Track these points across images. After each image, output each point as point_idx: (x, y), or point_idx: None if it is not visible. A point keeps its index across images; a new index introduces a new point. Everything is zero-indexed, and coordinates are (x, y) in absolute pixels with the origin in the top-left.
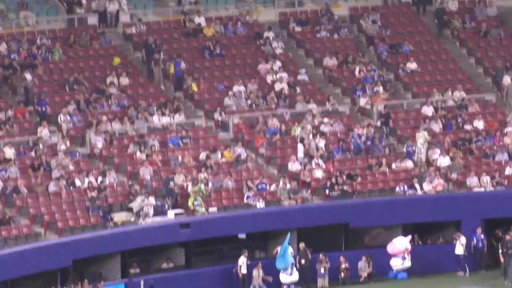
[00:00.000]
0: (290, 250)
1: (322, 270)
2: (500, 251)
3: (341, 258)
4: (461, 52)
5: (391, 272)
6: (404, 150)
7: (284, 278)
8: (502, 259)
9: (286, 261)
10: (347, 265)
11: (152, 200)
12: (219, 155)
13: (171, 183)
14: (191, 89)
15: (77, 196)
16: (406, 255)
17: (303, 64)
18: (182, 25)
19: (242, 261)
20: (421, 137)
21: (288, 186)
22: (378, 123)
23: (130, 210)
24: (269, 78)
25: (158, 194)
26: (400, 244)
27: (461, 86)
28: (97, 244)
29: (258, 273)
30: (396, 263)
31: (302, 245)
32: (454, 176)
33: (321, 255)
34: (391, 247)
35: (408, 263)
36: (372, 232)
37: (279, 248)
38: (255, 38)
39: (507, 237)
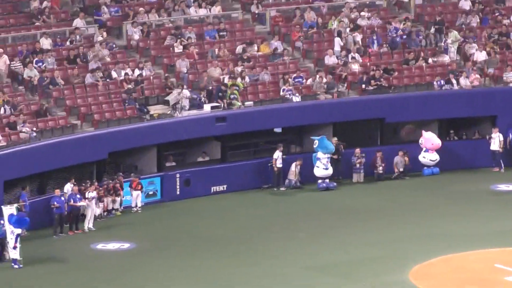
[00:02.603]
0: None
1: (358, 165)
2: None
3: (377, 153)
4: None
5: (426, 169)
6: (442, 44)
7: (319, 171)
8: None
9: (328, 146)
10: (382, 159)
11: (187, 93)
12: (256, 48)
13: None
14: None
15: (114, 88)
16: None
17: None
18: None
19: (278, 155)
20: (452, 36)
21: (325, 80)
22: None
23: (166, 102)
24: None
25: (194, 87)
26: (432, 137)
27: None
28: (133, 136)
29: (296, 168)
30: (427, 156)
31: (334, 139)
32: (490, 71)
33: (357, 150)
34: (423, 140)
35: (436, 156)
36: (407, 127)
37: (316, 141)
38: None
39: None
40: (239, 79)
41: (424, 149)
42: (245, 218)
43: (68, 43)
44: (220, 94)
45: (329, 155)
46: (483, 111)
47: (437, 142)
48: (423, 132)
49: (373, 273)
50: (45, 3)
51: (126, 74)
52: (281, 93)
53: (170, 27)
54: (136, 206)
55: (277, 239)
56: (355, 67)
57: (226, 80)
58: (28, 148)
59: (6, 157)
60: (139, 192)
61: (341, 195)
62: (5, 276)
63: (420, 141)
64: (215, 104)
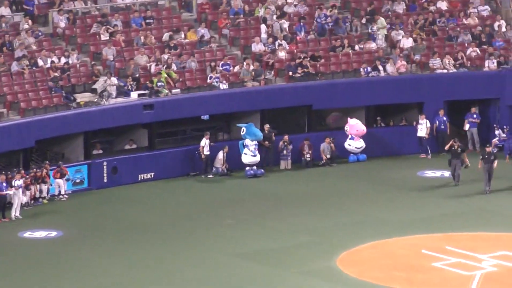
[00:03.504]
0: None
1: (285, 152)
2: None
3: (304, 141)
4: None
5: (351, 156)
6: (367, 31)
7: (247, 158)
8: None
9: (256, 133)
10: (309, 147)
11: (114, 80)
12: (183, 36)
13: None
14: None
15: (40, 76)
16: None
17: None
18: None
19: (205, 142)
20: (378, 23)
21: (252, 67)
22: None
23: (93, 90)
24: None
25: (121, 74)
26: (358, 124)
27: None
28: (59, 124)
29: (224, 156)
30: (353, 144)
31: (267, 126)
32: (417, 57)
33: (285, 137)
34: (349, 127)
35: (361, 143)
36: (334, 114)
37: (243, 128)
38: None
39: (487, 149)
40: (173, 69)
41: (349, 136)
42: (173, 206)
43: None
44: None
45: (256, 142)
46: (410, 98)
47: (362, 129)
48: (348, 119)
49: (301, 260)
50: None
51: (52, 62)
52: (208, 80)
53: (96, 15)
54: (60, 194)
55: (205, 226)
56: (282, 54)
57: (153, 68)
58: None
59: None
60: (60, 180)
61: (269, 182)
62: None
63: (345, 128)
64: (142, 91)
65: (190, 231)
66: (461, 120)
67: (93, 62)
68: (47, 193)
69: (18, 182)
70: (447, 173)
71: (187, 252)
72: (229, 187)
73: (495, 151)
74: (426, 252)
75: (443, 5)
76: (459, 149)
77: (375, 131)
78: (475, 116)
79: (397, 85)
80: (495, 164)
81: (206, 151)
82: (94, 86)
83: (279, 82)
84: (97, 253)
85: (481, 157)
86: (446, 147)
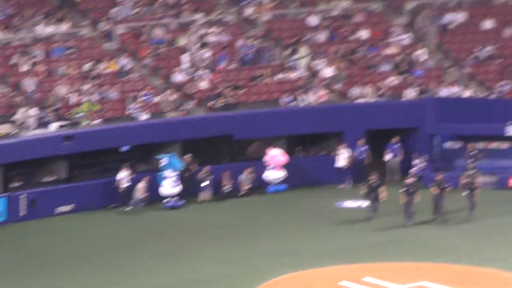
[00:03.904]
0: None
1: (205, 183)
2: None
3: (225, 172)
4: None
5: (271, 187)
6: (288, 61)
7: (166, 190)
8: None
9: (176, 164)
10: (230, 177)
11: (35, 111)
12: (104, 66)
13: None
14: None
15: None
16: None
17: None
18: None
19: (123, 174)
20: (300, 52)
21: (173, 97)
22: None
23: (12, 122)
24: None
25: (41, 105)
26: (277, 154)
27: None
28: None
29: (144, 187)
30: (271, 175)
31: (188, 156)
32: (338, 86)
33: (205, 168)
34: (268, 158)
35: (282, 173)
36: (255, 144)
37: (164, 159)
38: None
39: (407, 180)
40: (95, 100)
41: (269, 166)
42: (92, 238)
43: None
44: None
45: (177, 173)
46: (331, 127)
47: (282, 159)
48: (268, 149)
49: None
50: None
51: None
52: (129, 111)
53: (17, 45)
54: None
55: (125, 259)
56: (204, 84)
57: (73, 99)
58: None
59: None
60: None
61: (189, 213)
62: None
63: (265, 159)
64: (62, 122)
65: (110, 264)
66: (382, 150)
67: (13, 93)
68: None
69: None
70: (366, 203)
71: (107, 284)
72: (149, 219)
73: (415, 181)
74: (344, 283)
75: (364, 34)
76: (376, 183)
77: (296, 160)
78: (396, 146)
79: (318, 115)
80: (417, 195)
81: (125, 183)
82: (13, 117)
83: (200, 112)
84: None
85: (403, 189)
86: (362, 192)
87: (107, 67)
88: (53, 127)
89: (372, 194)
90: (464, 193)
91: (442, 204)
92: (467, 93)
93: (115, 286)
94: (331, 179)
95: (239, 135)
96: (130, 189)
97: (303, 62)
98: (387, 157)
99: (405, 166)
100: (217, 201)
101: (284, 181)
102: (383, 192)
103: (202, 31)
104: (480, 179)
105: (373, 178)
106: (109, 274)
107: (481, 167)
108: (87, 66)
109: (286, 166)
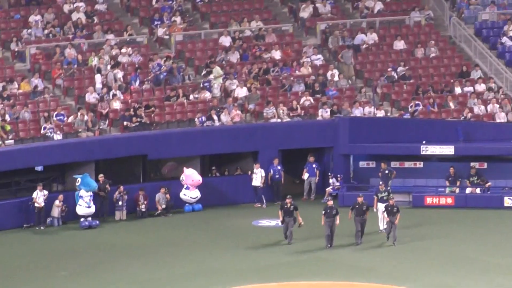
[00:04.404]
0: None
1: (120, 203)
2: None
3: (139, 191)
4: None
5: (186, 206)
6: (202, 81)
7: (81, 210)
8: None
9: (90, 184)
10: (145, 197)
11: None
12: (16, 86)
13: None
14: None
15: None
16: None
17: None
18: None
19: (38, 194)
20: (214, 72)
21: (86, 117)
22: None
23: None
24: (66, 8)
25: None
26: (193, 174)
27: (258, 16)
28: None
29: (59, 206)
30: (188, 194)
31: (101, 176)
32: (251, 107)
33: (119, 187)
34: (184, 177)
35: (196, 193)
36: (169, 164)
37: (78, 179)
38: None
39: (358, 199)
40: (7, 120)
41: (185, 186)
42: (7, 258)
43: None
44: None
45: (91, 193)
46: (245, 147)
47: (198, 179)
48: (184, 169)
49: None
50: None
51: None
52: (42, 131)
53: None
54: None
55: (39, 279)
56: (117, 104)
57: None
58: None
59: None
60: None
61: (105, 233)
62: None
63: (181, 178)
64: None
65: (24, 284)
66: (296, 169)
67: None
68: None
69: None
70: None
71: None
72: (64, 238)
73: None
74: None
75: (277, 55)
76: (291, 207)
77: (211, 180)
78: (314, 165)
79: (232, 134)
80: (337, 219)
81: (40, 202)
82: None
83: (113, 132)
84: None
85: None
86: (280, 220)
87: (19, 87)
88: None
89: (287, 218)
90: (384, 217)
91: (363, 227)
92: (380, 113)
93: None
94: (247, 198)
95: (152, 155)
96: (46, 208)
97: (217, 82)
98: (305, 176)
99: (319, 185)
100: (133, 220)
101: (199, 201)
102: (298, 217)
103: (114, 52)
104: (393, 200)
105: (288, 201)
106: None
107: (395, 187)
108: None
109: (201, 186)
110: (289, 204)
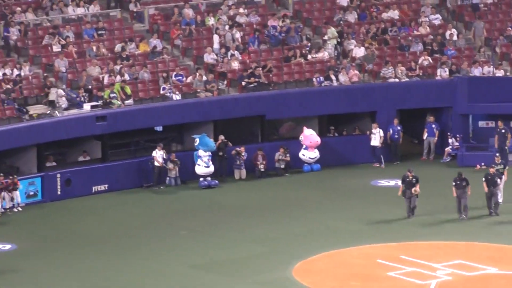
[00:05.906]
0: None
1: (239, 162)
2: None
3: (258, 151)
4: None
5: (305, 166)
6: (320, 41)
7: (200, 169)
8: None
9: (209, 144)
10: (263, 157)
11: (62, 92)
12: (135, 47)
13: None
14: None
15: None
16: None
17: None
18: None
19: (158, 153)
20: (329, 33)
21: (204, 78)
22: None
23: (45, 102)
24: None
25: (74, 86)
26: (311, 135)
27: None
28: (12, 137)
29: (174, 165)
30: (307, 154)
31: (221, 137)
32: (369, 66)
33: (238, 147)
34: (303, 138)
35: (315, 153)
36: (288, 124)
37: (196, 139)
38: None
39: (490, 170)
40: (126, 80)
41: (303, 146)
42: (127, 217)
43: None
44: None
45: (210, 153)
46: (363, 107)
47: (316, 139)
48: (304, 128)
49: (256, 271)
50: None
51: (4, 74)
52: (161, 91)
53: (48, 26)
54: (13, 206)
55: (160, 238)
56: (235, 65)
57: (105, 80)
58: None
59: None
60: (15, 192)
61: (223, 193)
62: None
63: (300, 138)
64: (94, 103)
65: (145, 242)
66: (413, 129)
67: (45, 74)
68: (1, 205)
69: None
70: (400, 182)
71: (143, 263)
72: (183, 198)
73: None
74: (381, 261)
75: (395, 14)
76: (413, 179)
77: (329, 140)
78: (433, 125)
79: (350, 95)
80: (469, 190)
81: (160, 162)
82: (49, 99)
83: (232, 92)
84: (52, 266)
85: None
86: (399, 193)
87: (138, 48)
88: (86, 107)
89: (408, 192)
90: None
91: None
92: (499, 73)
93: (145, 263)
94: (365, 158)
95: (270, 115)
96: (164, 168)
97: (332, 43)
98: (425, 135)
99: (437, 145)
100: (251, 180)
101: (317, 161)
102: (417, 188)
103: (232, 12)
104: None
105: (410, 175)
106: (141, 252)
107: None
108: (118, 47)
109: (319, 146)
110: (410, 177)
